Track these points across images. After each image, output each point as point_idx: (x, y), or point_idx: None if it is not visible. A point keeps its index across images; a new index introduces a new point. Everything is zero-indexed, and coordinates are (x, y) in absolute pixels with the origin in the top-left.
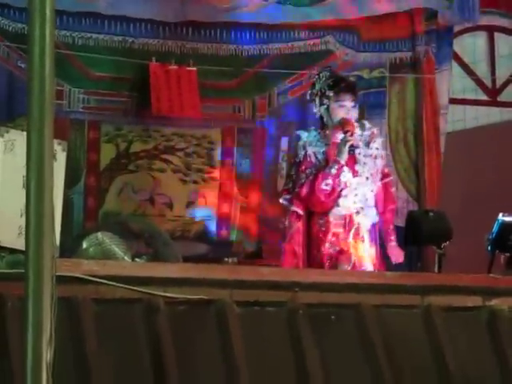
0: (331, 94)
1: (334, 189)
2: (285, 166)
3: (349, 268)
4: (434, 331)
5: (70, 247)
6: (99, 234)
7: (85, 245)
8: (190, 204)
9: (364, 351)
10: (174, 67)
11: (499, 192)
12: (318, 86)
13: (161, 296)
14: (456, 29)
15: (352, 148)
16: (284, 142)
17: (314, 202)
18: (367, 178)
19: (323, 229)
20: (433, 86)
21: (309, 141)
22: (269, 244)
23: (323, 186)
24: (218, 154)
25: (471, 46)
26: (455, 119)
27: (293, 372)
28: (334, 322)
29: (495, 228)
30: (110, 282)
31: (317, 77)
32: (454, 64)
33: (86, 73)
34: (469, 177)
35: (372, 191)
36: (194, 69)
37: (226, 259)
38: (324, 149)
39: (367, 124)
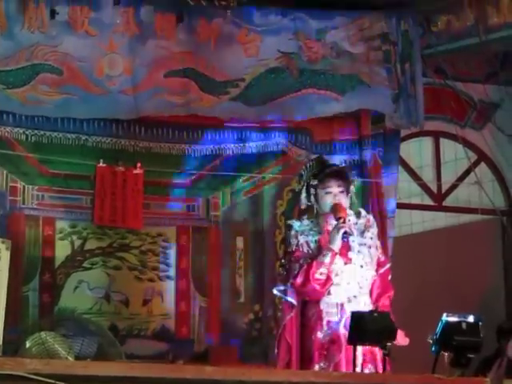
0: (315, 182)
1: (328, 277)
2: (242, 265)
3: (340, 356)
4: None
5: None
6: (42, 334)
7: (28, 344)
8: (147, 302)
9: None
10: (121, 169)
11: (444, 293)
12: (304, 177)
13: None
14: (402, 133)
15: (345, 235)
16: (239, 241)
17: (309, 291)
18: (361, 266)
19: (315, 318)
20: (380, 190)
21: (301, 230)
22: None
23: (317, 275)
24: (173, 252)
25: (417, 151)
26: (402, 223)
27: None
28: None
29: (439, 328)
30: (54, 381)
31: (304, 167)
32: (400, 169)
33: (40, 170)
34: (415, 280)
35: (367, 280)
36: (141, 171)
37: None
38: (316, 237)
39: (363, 212)
